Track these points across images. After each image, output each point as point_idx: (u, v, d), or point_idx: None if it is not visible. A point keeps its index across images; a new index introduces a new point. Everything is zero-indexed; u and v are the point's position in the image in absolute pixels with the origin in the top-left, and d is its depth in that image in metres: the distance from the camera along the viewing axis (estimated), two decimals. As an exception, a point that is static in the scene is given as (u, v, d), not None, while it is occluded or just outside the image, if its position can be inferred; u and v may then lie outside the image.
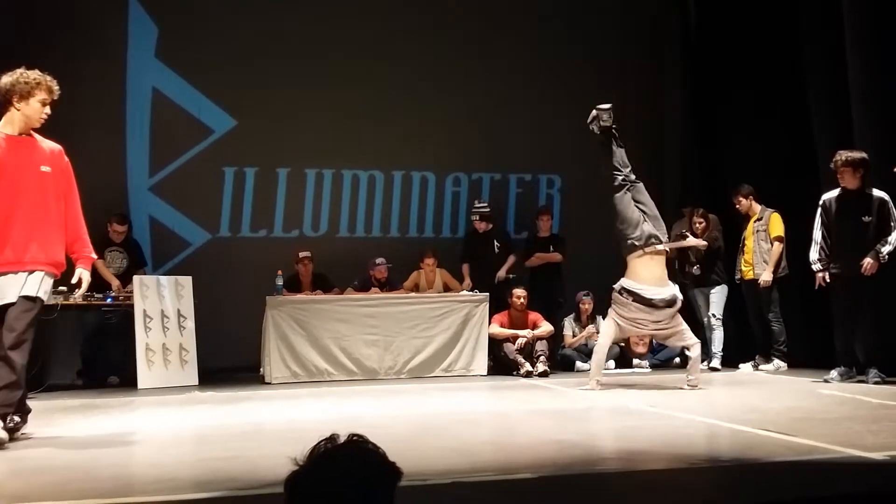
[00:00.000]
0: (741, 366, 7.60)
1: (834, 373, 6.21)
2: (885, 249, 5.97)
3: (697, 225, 8.04)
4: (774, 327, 7.46)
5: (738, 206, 7.74)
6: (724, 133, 8.94)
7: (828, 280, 6.26)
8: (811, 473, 3.19)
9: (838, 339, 6.36)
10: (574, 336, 8.21)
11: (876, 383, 5.90)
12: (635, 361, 8.03)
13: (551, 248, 8.60)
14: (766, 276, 7.37)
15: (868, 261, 5.97)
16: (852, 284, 6.12)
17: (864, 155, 6.12)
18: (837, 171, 6.15)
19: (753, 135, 8.40)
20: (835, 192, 6.29)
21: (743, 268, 7.72)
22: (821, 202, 6.37)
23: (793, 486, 3.08)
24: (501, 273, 8.32)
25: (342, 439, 1.65)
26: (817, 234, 6.35)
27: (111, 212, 8.15)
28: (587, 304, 8.21)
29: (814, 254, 6.34)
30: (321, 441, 1.64)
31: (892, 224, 6.04)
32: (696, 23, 9.55)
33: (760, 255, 7.51)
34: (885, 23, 6.55)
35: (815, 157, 7.29)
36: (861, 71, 6.71)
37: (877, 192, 6.12)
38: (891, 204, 6.07)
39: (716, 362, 7.69)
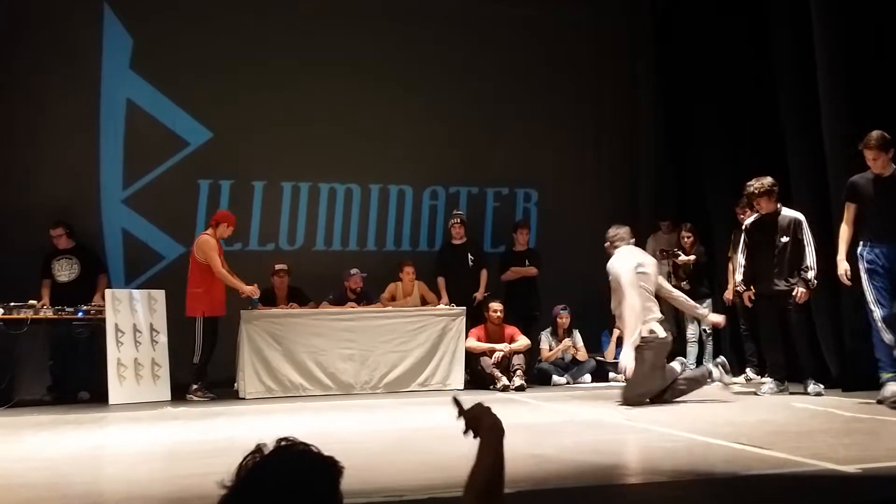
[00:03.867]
0: (733, 379, 7.65)
1: (765, 387, 6.47)
2: (811, 275, 6.25)
3: (686, 239, 8.13)
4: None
5: (741, 217, 7.70)
6: (697, 148, 9.06)
7: (752, 299, 6.60)
8: (785, 487, 3.21)
9: (767, 354, 6.69)
10: (550, 350, 8.22)
11: (817, 394, 6.12)
12: (611, 375, 8.08)
13: (527, 262, 8.63)
14: (728, 294, 7.42)
15: (800, 291, 6.24)
16: (774, 303, 6.41)
17: (772, 180, 6.44)
18: (753, 201, 6.50)
19: (726, 150, 8.52)
20: (752, 217, 6.66)
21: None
22: (744, 227, 6.74)
23: (767, 499, 3.10)
24: (479, 295, 8.29)
25: (269, 448, 1.53)
26: (741, 257, 6.72)
27: (84, 224, 8.08)
28: (564, 318, 8.24)
29: (738, 276, 6.73)
30: (247, 456, 1.52)
31: (806, 244, 6.31)
32: (669, 38, 9.67)
33: None
34: (854, 36, 6.68)
35: (787, 172, 7.39)
36: (830, 90, 6.82)
37: (790, 213, 6.43)
38: (804, 224, 6.35)
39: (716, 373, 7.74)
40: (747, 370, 7.68)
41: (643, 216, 9.53)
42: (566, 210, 9.53)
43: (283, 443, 1.55)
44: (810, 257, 6.26)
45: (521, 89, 9.44)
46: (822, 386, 6.24)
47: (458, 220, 8.56)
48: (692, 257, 7.80)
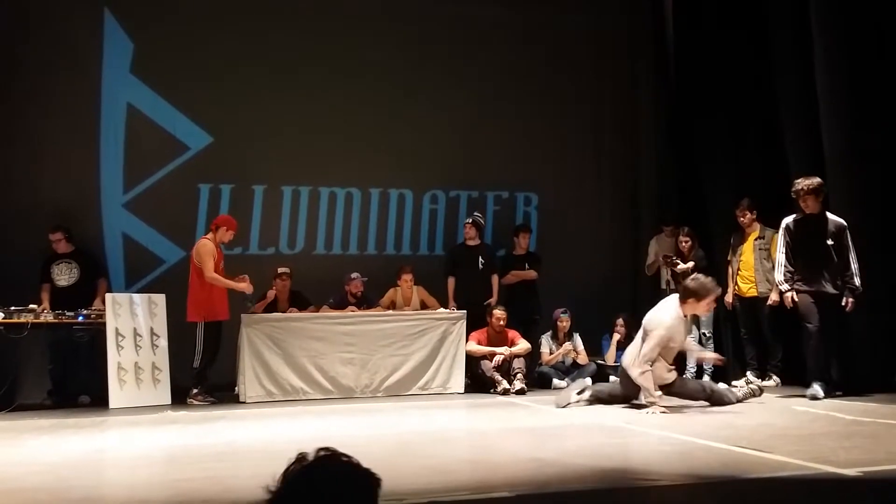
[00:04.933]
0: (734, 382, 7.64)
1: (818, 389, 6.26)
2: (857, 282, 6.21)
3: (683, 244, 8.12)
4: (772, 344, 7.53)
5: (741, 220, 7.70)
6: (700, 151, 9.05)
7: (795, 299, 6.41)
8: (785, 490, 3.21)
9: (812, 356, 6.43)
10: (551, 353, 8.21)
11: (813, 397, 6.12)
12: (612, 378, 8.06)
13: (526, 266, 8.63)
14: (774, 296, 7.14)
15: (849, 300, 6.22)
16: (821, 305, 6.29)
17: (821, 180, 6.36)
18: (800, 198, 6.38)
19: (728, 152, 8.51)
20: (794, 217, 6.52)
21: (742, 284, 7.71)
22: (783, 225, 6.58)
23: (768, 502, 3.10)
24: (493, 301, 8.23)
25: (311, 457, 1.59)
26: (781, 256, 6.57)
27: (85, 228, 8.08)
28: (564, 322, 8.23)
29: (779, 275, 6.55)
30: (291, 463, 1.58)
31: (850, 249, 6.27)
32: (671, 42, 9.68)
33: (763, 273, 7.53)
34: (854, 44, 6.69)
35: (788, 175, 7.40)
36: (830, 91, 6.84)
37: (836, 218, 6.36)
38: (848, 230, 6.30)
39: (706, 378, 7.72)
40: (748, 373, 7.67)
41: (644, 218, 9.54)
42: (567, 213, 9.53)
43: (323, 452, 1.60)
44: (854, 264, 6.24)
45: (521, 91, 9.44)
46: (823, 392, 6.16)
47: (471, 221, 8.56)
48: (691, 264, 7.78)
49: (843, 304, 6.21)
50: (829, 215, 6.37)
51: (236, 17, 8.82)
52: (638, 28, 9.92)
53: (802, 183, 6.34)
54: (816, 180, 6.34)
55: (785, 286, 6.47)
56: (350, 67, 9.02)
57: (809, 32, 6.97)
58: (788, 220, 6.54)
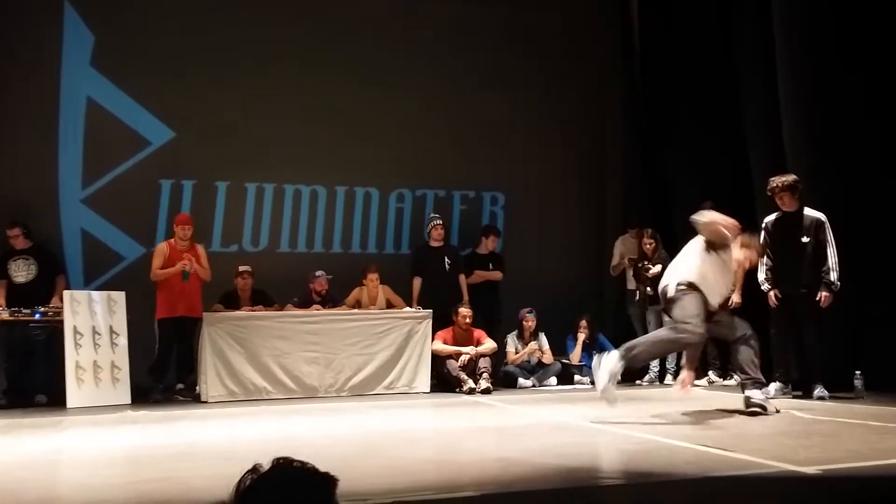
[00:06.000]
0: (696, 381, 7.71)
1: (771, 388, 6.33)
2: (833, 277, 6.13)
3: (647, 245, 8.19)
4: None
5: None
6: (667, 152, 9.15)
7: (779, 297, 6.41)
8: (748, 488, 3.25)
9: (776, 356, 6.51)
10: (517, 353, 8.24)
11: (820, 399, 6.03)
12: (576, 378, 8.12)
13: (490, 266, 8.64)
14: (736, 298, 7.29)
15: (823, 294, 6.13)
16: (794, 303, 6.30)
17: (796, 178, 6.32)
18: (776, 196, 6.32)
19: (695, 154, 8.61)
20: (774, 215, 6.46)
21: None
22: (763, 225, 6.54)
23: (731, 501, 3.13)
24: (465, 301, 8.19)
25: (266, 467, 1.58)
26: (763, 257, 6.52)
27: (42, 224, 7.92)
28: (530, 322, 8.26)
29: (761, 274, 6.51)
30: (245, 475, 1.58)
31: (829, 245, 6.19)
32: (639, 43, 9.77)
33: None
34: (816, 51, 6.81)
35: (751, 177, 7.51)
36: (792, 91, 6.95)
37: (813, 213, 6.30)
38: (827, 224, 6.24)
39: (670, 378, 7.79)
40: (710, 373, 7.77)
41: (610, 219, 9.62)
42: (533, 213, 9.58)
43: (279, 461, 1.60)
44: (832, 259, 6.13)
45: (489, 91, 9.46)
46: (827, 393, 6.09)
47: (440, 223, 8.54)
48: (658, 267, 7.85)
49: (817, 298, 6.13)
50: (807, 211, 6.30)
51: (199, 11, 8.71)
52: (605, 30, 10.01)
53: (777, 180, 6.29)
54: (792, 177, 6.29)
55: (766, 286, 6.49)
56: (317, 64, 8.96)
57: (772, 33, 7.06)
58: (769, 218, 6.51)
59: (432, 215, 8.78)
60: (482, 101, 9.44)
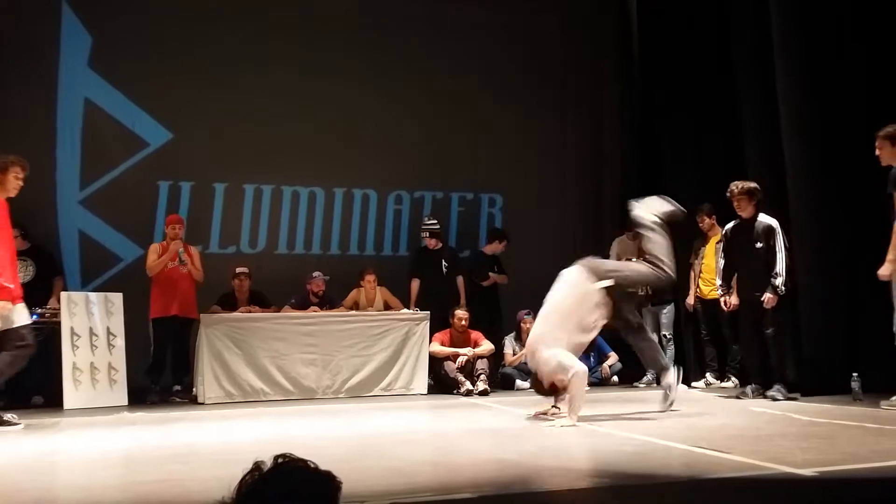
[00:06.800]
0: (694, 383, 7.73)
1: (748, 389, 6.49)
2: (779, 281, 6.25)
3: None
4: (732, 345, 7.62)
5: (700, 225, 7.80)
6: (665, 153, 9.14)
7: (734, 302, 6.59)
8: (743, 490, 3.25)
9: (746, 359, 6.72)
10: (514, 354, 8.23)
11: (774, 399, 6.14)
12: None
13: (496, 269, 8.68)
14: (733, 299, 7.11)
15: (768, 296, 6.25)
16: (753, 309, 6.41)
17: (756, 184, 6.45)
18: (734, 199, 6.44)
19: (693, 154, 8.61)
20: (732, 223, 6.63)
21: (703, 287, 7.80)
22: (724, 232, 6.73)
23: (727, 502, 3.13)
24: (462, 303, 8.22)
25: (268, 465, 1.55)
26: (720, 261, 6.77)
27: (40, 225, 7.91)
28: (528, 323, 8.22)
29: (718, 279, 6.78)
30: (246, 474, 1.55)
31: (778, 251, 6.32)
32: (637, 44, 9.77)
33: None
34: (813, 50, 6.81)
35: (749, 178, 7.50)
36: (789, 91, 6.96)
37: (766, 219, 6.42)
38: (778, 230, 6.36)
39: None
40: (707, 375, 7.78)
41: (607, 220, 9.63)
42: (531, 214, 9.59)
43: (280, 459, 1.56)
44: (780, 264, 6.26)
45: (487, 93, 9.48)
46: (783, 395, 6.21)
47: (427, 234, 8.51)
48: None
49: (762, 299, 6.23)
50: (761, 217, 6.41)
51: (196, 12, 8.71)
52: (603, 31, 10.02)
53: (737, 185, 6.42)
54: (751, 184, 6.42)
55: (719, 291, 6.73)
56: (314, 65, 8.97)
57: (770, 34, 7.07)
58: (728, 225, 6.70)
59: (424, 225, 8.69)
60: (480, 103, 9.45)
